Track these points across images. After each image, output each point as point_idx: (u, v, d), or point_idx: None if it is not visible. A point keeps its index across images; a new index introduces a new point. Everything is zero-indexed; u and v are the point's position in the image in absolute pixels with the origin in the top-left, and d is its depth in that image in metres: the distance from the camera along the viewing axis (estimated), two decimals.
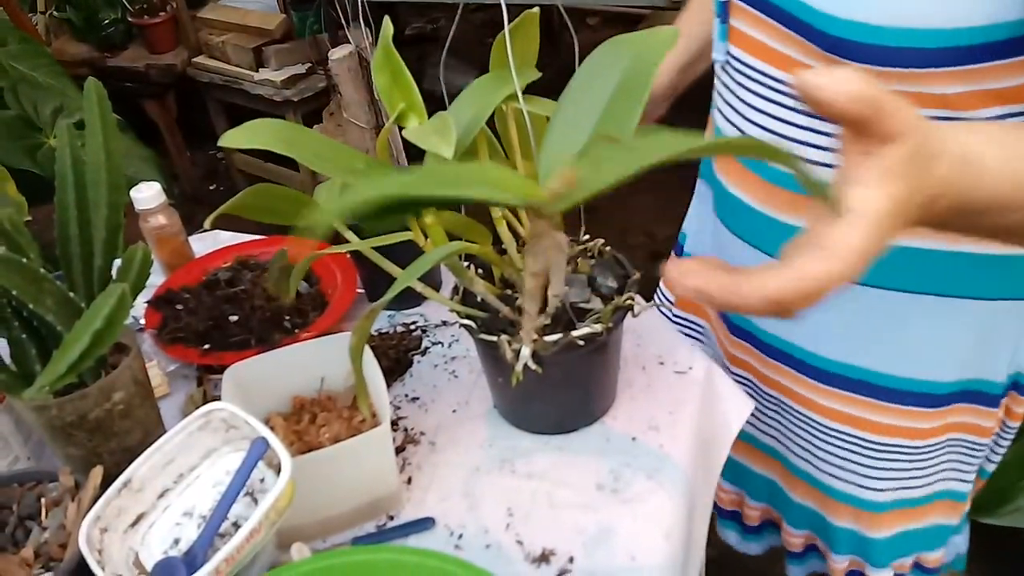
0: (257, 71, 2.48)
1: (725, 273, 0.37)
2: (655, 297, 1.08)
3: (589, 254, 0.76)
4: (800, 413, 0.87)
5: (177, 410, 0.84)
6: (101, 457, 0.68)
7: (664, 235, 2.35)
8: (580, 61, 0.58)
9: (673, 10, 1.92)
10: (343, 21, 2.03)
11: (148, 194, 0.96)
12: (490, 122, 0.68)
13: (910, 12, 0.58)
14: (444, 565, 0.54)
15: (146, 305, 0.93)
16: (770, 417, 0.92)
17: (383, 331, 0.91)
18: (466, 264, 0.71)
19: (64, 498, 0.65)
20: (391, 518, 0.70)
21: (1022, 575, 1.35)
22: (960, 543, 0.96)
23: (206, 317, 0.90)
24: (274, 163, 2.59)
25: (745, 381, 0.92)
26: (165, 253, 1.00)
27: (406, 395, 0.82)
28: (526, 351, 0.64)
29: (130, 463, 0.62)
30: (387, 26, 0.66)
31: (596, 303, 0.71)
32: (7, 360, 0.68)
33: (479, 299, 0.70)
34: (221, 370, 0.72)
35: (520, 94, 0.65)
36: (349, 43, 2.20)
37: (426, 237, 0.67)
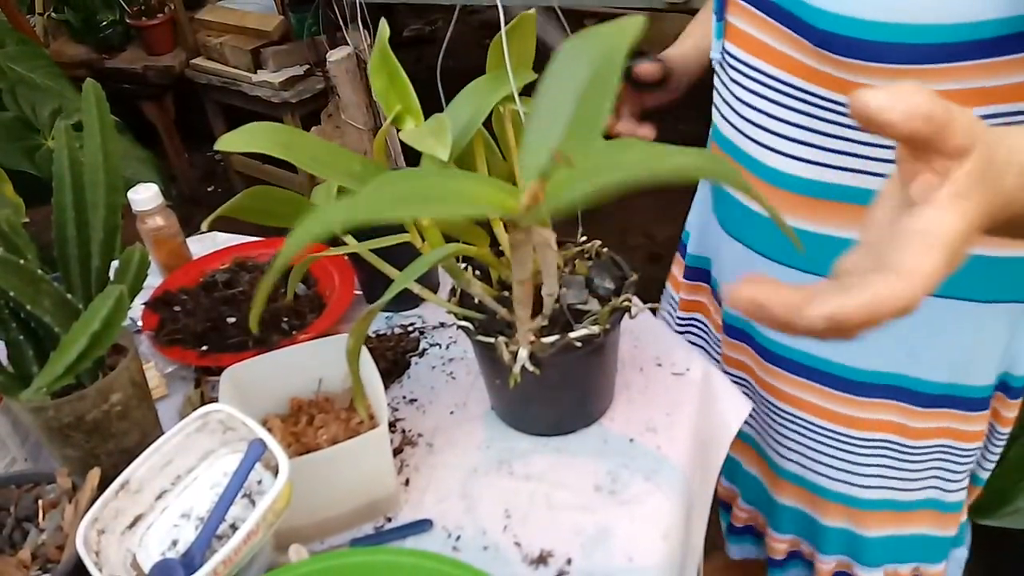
0: (255, 73, 2.48)
1: (789, 290, 0.34)
2: (662, 298, 1.08)
3: (587, 255, 0.76)
4: (790, 413, 0.87)
5: (175, 412, 0.84)
6: (99, 458, 0.68)
7: (664, 236, 2.35)
8: None
9: (670, 12, 1.92)
10: (341, 23, 2.03)
11: (146, 195, 0.96)
12: (487, 123, 0.68)
13: (900, 7, 0.59)
14: (442, 567, 0.54)
15: (144, 306, 0.93)
16: (760, 418, 0.93)
17: (381, 333, 0.91)
18: (463, 266, 0.71)
19: (61, 500, 0.65)
20: (389, 520, 0.70)
21: (1021, 575, 1.35)
22: (962, 557, 0.96)
23: (204, 319, 0.90)
24: (272, 165, 2.59)
25: (741, 381, 0.92)
26: (163, 254, 1.00)
27: (404, 397, 0.82)
28: (523, 353, 0.64)
29: (128, 464, 0.62)
30: (383, 28, 0.66)
31: (593, 304, 0.71)
32: (4, 361, 0.68)
33: (476, 301, 0.70)
34: (219, 372, 0.72)
35: (517, 95, 0.65)
36: (347, 45, 2.20)
37: (423, 239, 0.67)
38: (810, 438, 0.87)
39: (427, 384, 0.84)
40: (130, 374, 0.69)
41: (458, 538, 0.68)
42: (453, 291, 0.74)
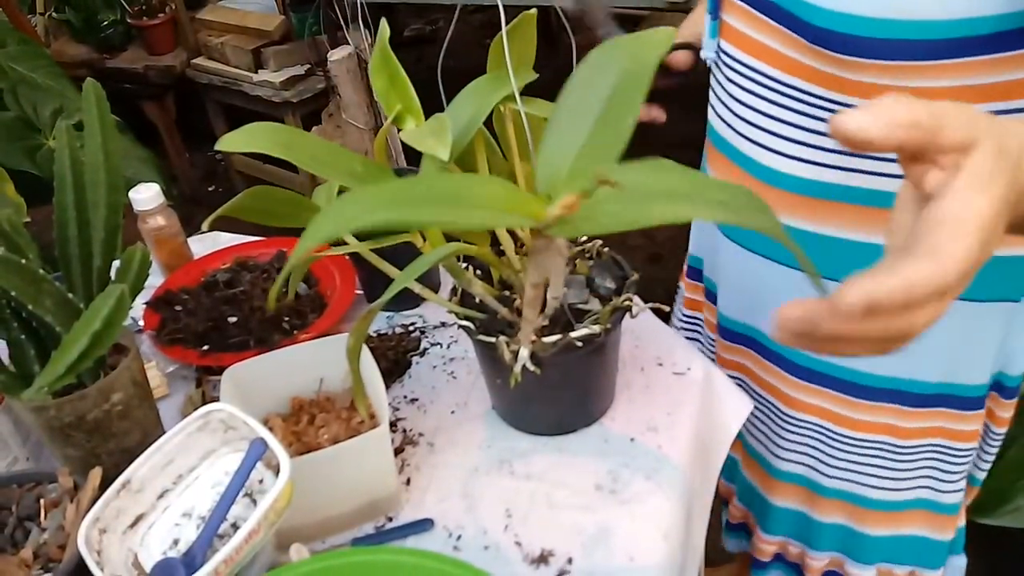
0: (256, 72, 2.48)
1: (819, 300, 0.34)
2: (677, 295, 1.08)
3: (587, 255, 0.76)
4: (790, 415, 0.87)
5: (176, 411, 0.84)
6: (100, 458, 0.68)
7: (664, 236, 2.35)
8: (578, 62, 0.58)
9: (672, 11, 1.92)
10: (342, 22, 2.03)
11: (147, 195, 0.96)
12: (488, 123, 0.68)
13: (897, 3, 0.59)
14: (442, 566, 0.54)
15: (145, 306, 0.93)
16: (759, 419, 0.93)
17: (382, 332, 0.91)
18: (464, 265, 0.71)
19: (63, 499, 0.65)
20: (390, 519, 0.70)
21: (1021, 575, 1.35)
22: (961, 565, 0.96)
23: (205, 318, 0.90)
24: (273, 165, 2.59)
25: (738, 382, 0.92)
26: (164, 254, 1.00)
27: (405, 396, 0.83)
28: (524, 352, 0.64)
29: (129, 464, 0.62)
30: (384, 28, 0.66)
31: (594, 304, 0.71)
32: (6, 361, 0.68)
33: (477, 300, 0.70)
34: (220, 371, 0.72)
35: (518, 95, 0.65)
36: (348, 44, 2.20)
37: (424, 238, 0.67)
38: (810, 438, 0.87)
39: (428, 383, 0.84)
40: (131, 374, 0.69)
41: (459, 537, 0.68)
42: (454, 290, 0.74)
